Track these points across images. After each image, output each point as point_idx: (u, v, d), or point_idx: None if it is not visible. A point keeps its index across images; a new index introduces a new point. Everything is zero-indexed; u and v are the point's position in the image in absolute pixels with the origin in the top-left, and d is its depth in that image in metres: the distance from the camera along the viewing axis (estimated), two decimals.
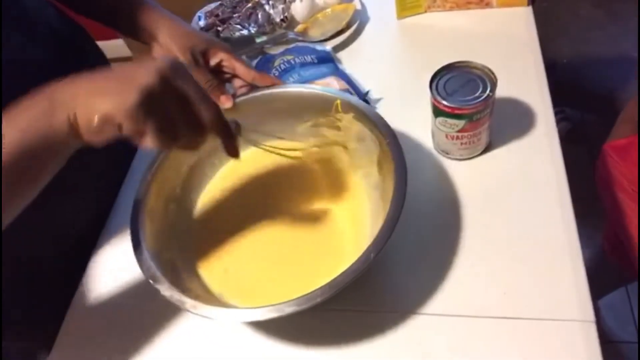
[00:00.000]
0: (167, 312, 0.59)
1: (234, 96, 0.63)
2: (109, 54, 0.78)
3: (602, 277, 1.09)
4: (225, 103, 0.62)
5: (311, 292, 0.45)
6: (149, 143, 0.42)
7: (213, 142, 0.64)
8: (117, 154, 0.73)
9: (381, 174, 0.58)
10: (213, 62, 0.64)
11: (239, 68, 0.64)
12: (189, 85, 0.44)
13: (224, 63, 0.64)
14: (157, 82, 0.41)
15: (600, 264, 1.04)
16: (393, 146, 0.54)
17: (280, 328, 0.57)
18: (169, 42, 0.62)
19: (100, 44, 0.75)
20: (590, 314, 0.51)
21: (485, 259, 0.57)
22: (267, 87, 0.64)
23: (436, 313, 0.54)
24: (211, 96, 0.62)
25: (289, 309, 0.45)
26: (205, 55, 0.63)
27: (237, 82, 0.66)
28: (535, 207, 0.60)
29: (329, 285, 0.46)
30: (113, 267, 0.65)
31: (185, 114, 0.44)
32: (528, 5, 0.82)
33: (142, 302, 0.61)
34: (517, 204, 0.61)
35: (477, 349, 0.51)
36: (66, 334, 0.61)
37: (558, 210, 0.59)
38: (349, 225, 0.59)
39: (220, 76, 0.65)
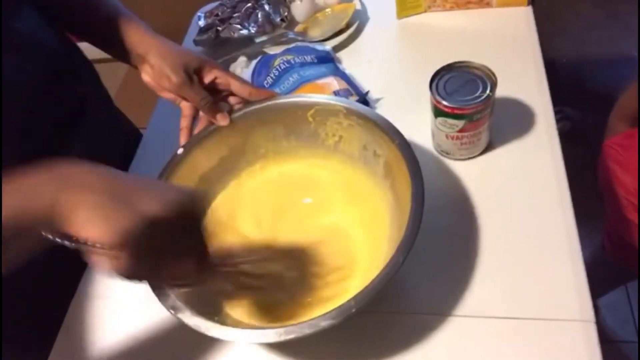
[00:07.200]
0: (165, 335, 0.59)
1: (230, 112, 0.62)
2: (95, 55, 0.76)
3: (602, 277, 1.09)
4: (221, 121, 0.61)
5: (345, 303, 0.45)
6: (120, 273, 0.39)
7: (218, 155, 0.63)
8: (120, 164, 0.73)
9: (390, 176, 0.57)
10: (207, 79, 0.62)
11: (234, 84, 0.63)
12: (189, 235, 0.43)
13: (218, 80, 0.63)
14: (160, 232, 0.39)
15: (600, 264, 1.04)
16: (402, 146, 0.54)
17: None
18: (160, 62, 0.61)
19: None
20: (590, 314, 0.51)
21: (485, 259, 0.57)
22: (263, 100, 0.63)
23: (436, 313, 0.54)
24: (207, 115, 0.61)
25: (324, 323, 0.44)
26: (198, 73, 0.62)
27: (232, 100, 0.65)
28: (535, 207, 0.60)
29: (363, 293, 0.45)
30: (106, 286, 0.63)
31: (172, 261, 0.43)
32: (528, 5, 0.82)
33: (137, 321, 0.60)
34: (517, 204, 0.61)
35: (477, 349, 0.51)
36: (58, 354, 0.59)
37: (558, 210, 0.59)
38: (364, 235, 0.58)
39: (215, 94, 0.63)
